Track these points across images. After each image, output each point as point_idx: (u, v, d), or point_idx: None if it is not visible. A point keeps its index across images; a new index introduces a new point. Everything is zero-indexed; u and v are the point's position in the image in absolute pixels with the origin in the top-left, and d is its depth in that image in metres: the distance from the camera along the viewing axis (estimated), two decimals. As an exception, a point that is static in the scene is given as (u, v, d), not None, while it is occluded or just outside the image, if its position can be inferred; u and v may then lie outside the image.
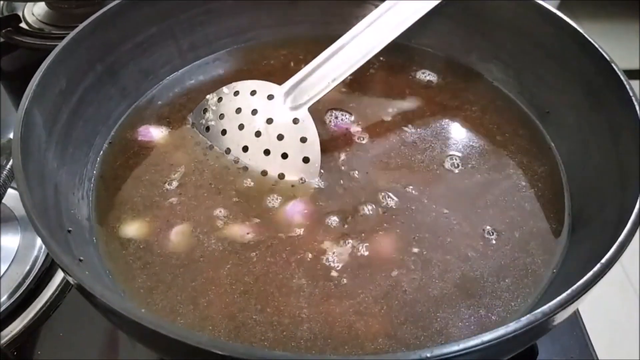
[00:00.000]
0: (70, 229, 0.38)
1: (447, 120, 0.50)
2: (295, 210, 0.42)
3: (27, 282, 0.47)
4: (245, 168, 0.46)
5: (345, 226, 0.41)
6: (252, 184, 0.45)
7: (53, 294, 0.47)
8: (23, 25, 0.73)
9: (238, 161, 0.46)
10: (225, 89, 0.48)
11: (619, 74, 0.40)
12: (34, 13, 0.75)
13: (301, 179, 0.45)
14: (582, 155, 0.44)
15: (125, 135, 0.49)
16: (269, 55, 0.57)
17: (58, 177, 0.40)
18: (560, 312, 0.28)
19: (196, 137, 0.49)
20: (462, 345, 0.25)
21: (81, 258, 0.36)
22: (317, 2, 0.57)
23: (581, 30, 0.44)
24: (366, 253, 0.40)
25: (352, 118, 0.50)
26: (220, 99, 0.48)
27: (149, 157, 0.47)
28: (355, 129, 0.49)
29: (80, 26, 0.44)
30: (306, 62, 0.47)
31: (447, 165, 0.46)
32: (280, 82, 0.47)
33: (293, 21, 0.58)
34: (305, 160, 0.45)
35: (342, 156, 0.47)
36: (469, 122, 0.50)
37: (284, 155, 0.45)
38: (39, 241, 0.50)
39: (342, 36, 0.48)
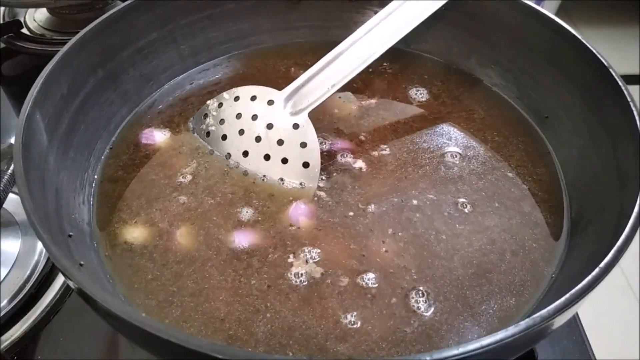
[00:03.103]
0: (71, 233, 0.38)
1: (445, 125, 0.50)
2: (298, 214, 0.42)
3: (28, 286, 0.47)
4: (246, 173, 0.46)
5: (348, 231, 0.42)
6: (252, 188, 0.45)
7: (53, 298, 0.47)
8: (24, 30, 0.74)
9: (238, 166, 0.46)
10: (225, 95, 0.49)
11: (617, 79, 0.40)
12: (35, 19, 0.76)
13: (301, 183, 0.45)
14: (581, 159, 0.45)
15: (126, 140, 0.49)
16: (269, 61, 0.57)
17: (59, 182, 0.40)
18: (559, 316, 0.28)
19: (196, 142, 0.49)
20: (462, 349, 0.25)
21: (82, 262, 0.36)
22: (317, 8, 0.57)
23: (579, 36, 0.44)
24: (370, 257, 0.40)
25: (347, 133, 0.50)
26: (220, 105, 0.48)
27: (149, 162, 0.47)
28: (353, 136, 0.49)
29: (82, 32, 0.45)
30: (306, 68, 0.48)
31: (445, 170, 0.46)
32: (280, 88, 0.47)
33: (293, 27, 0.58)
34: (305, 165, 0.45)
35: (342, 161, 0.47)
36: (468, 128, 0.50)
37: (284, 160, 0.45)
38: (39, 246, 0.50)
39: (341, 42, 0.48)
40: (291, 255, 0.40)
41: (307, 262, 0.40)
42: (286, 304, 0.37)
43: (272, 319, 0.37)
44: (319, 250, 0.40)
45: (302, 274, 0.39)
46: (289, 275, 0.39)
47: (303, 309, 0.37)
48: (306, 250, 0.40)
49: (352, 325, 0.36)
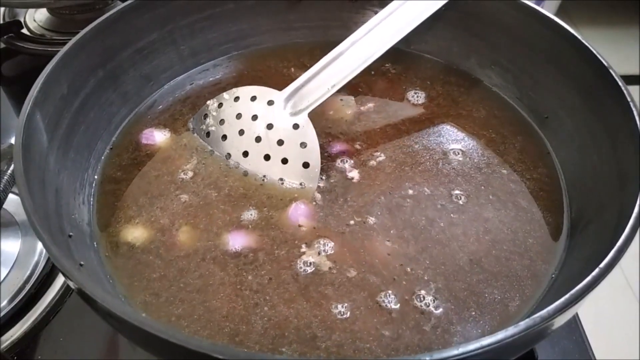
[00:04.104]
0: (71, 233, 0.38)
1: (445, 125, 0.50)
2: (298, 214, 0.42)
3: (28, 286, 0.47)
4: (246, 173, 0.46)
5: (348, 229, 0.42)
6: (252, 189, 0.45)
7: (53, 298, 0.47)
8: (24, 31, 0.74)
9: (238, 166, 0.46)
10: (225, 95, 0.49)
11: (617, 79, 0.40)
12: (35, 19, 0.76)
13: (301, 183, 0.45)
14: (581, 159, 0.45)
15: (126, 141, 0.49)
16: (268, 61, 0.57)
17: (59, 182, 0.40)
18: (559, 316, 0.28)
19: (197, 142, 0.49)
20: (462, 349, 0.25)
21: (82, 263, 0.36)
22: (317, 9, 0.57)
23: (579, 36, 0.44)
24: (371, 254, 0.40)
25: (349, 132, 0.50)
26: (220, 105, 0.48)
27: (149, 163, 0.47)
28: (354, 138, 0.49)
29: (82, 32, 0.45)
30: (306, 68, 0.48)
31: (445, 169, 0.46)
32: (280, 88, 0.47)
33: (293, 27, 0.58)
34: (305, 165, 0.45)
35: (341, 162, 0.47)
36: (468, 127, 0.50)
37: (284, 161, 0.45)
38: (39, 246, 0.50)
39: (342, 42, 0.48)
40: (292, 254, 0.40)
41: (317, 254, 0.40)
42: (283, 295, 0.37)
43: (270, 313, 0.37)
44: (324, 248, 0.40)
45: (310, 263, 0.39)
46: (294, 267, 0.39)
47: (299, 300, 0.37)
48: (318, 243, 0.40)
49: (342, 315, 0.36)
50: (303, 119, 0.46)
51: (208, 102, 0.49)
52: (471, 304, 0.38)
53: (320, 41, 0.57)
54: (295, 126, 0.46)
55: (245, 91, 0.48)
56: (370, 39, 0.49)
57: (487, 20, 0.52)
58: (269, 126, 0.46)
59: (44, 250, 0.49)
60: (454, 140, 0.49)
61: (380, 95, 0.54)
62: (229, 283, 0.39)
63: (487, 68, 0.54)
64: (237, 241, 0.41)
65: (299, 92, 0.47)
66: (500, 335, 0.26)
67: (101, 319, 0.31)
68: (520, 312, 0.37)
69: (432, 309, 0.37)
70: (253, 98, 0.47)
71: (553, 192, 0.45)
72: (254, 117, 0.47)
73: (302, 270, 0.39)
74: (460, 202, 0.44)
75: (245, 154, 0.46)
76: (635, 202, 0.33)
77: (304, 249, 0.40)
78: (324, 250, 0.40)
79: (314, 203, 0.43)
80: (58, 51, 0.43)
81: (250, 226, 0.42)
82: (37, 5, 0.74)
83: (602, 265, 0.30)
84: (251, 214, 0.43)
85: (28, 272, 0.48)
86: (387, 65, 0.56)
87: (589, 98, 0.44)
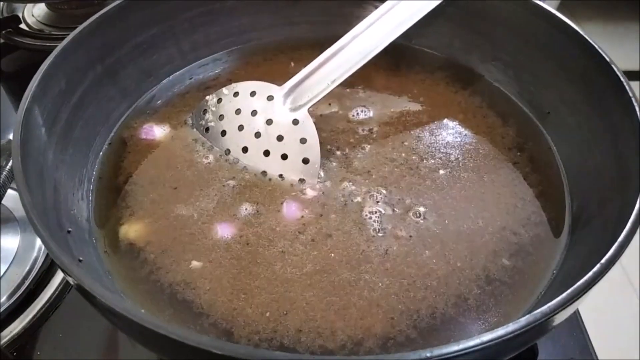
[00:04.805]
0: (69, 229, 0.38)
1: (446, 120, 0.50)
2: (296, 210, 0.42)
3: (27, 282, 0.47)
4: (245, 169, 0.46)
5: (349, 224, 0.41)
6: (251, 185, 0.44)
7: (52, 294, 0.47)
8: (23, 26, 0.74)
9: (238, 162, 0.46)
10: (225, 90, 0.48)
11: (619, 74, 0.40)
12: (33, 14, 0.76)
13: (301, 179, 0.45)
14: (582, 155, 0.44)
15: (125, 136, 0.49)
16: (268, 56, 0.57)
17: (57, 178, 0.40)
18: (560, 313, 0.28)
19: (196, 137, 0.49)
20: (462, 345, 0.25)
21: (81, 258, 0.36)
22: (317, 3, 0.57)
23: (581, 31, 0.44)
24: (373, 252, 0.40)
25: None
26: (219, 100, 0.48)
27: (148, 158, 0.47)
28: (353, 131, 0.49)
29: (80, 27, 0.45)
30: (306, 63, 0.47)
31: (446, 166, 0.46)
32: (280, 83, 0.47)
33: (293, 22, 0.58)
34: (305, 161, 0.45)
35: (342, 159, 0.47)
36: (469, 123, 0.50)
37: (284, 156, 0.45)
38: (38, 242, 0.50)
39: (342, 37, 0.48)
40: (291, 251, 0.40)
41: (311, 258, 0.40)
42: (284, 289, 0.37)
43: (270, 308, 0.37)
44: (325, 245, 0.40)
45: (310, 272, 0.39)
46: (280, 266, 0.39)
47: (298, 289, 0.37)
48: (309, 248, 0.40)
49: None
50: (303, 115, 0.46)
51: (207, 97, 0.49)
52: (470, 298, 0.37)
53: (321, 36, 0.56)
54: (295, 122, 0.46)
55: (244, 86, 0.48)
56: (371, 33, 0.48)
57: (488, 15, 0.51)
58: (269, 122, 0.46)
59: (43, 246, 0.49)
60: (453, 134, 0.49)
61: (380, 90, 0.53)
62: (228, 278, 0.39)
63: (488, 63, 0.53)
64: (235, 235, 0.41)
65: (299, 87, 0.47)
66: (500, 332, 0.26)
67: (100, 315, 0.31)
68: (521, 308, 0.37)
69: (435, 304, 0.37)
70: (252, 93, 0.47)
71: (554, 188, 0.45)
72: (254, 113, 0.46)
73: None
74: (462, 203, 0.43)
75: (245, 149, 0.46)
76: (637, 199, 0.33)
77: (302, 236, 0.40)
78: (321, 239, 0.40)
79: (313, 200, 0.43)
80: (56, 46, 0.42)
81: (249, 221, 0.42)
82: (36, 0, 0.74)
83: (603, 261, 0.30)
84: (250, 209, 0.43)
85: (27, 268, 0.48)
86: (387, 60, 0.55)
87: (590, 93, 0.44)
